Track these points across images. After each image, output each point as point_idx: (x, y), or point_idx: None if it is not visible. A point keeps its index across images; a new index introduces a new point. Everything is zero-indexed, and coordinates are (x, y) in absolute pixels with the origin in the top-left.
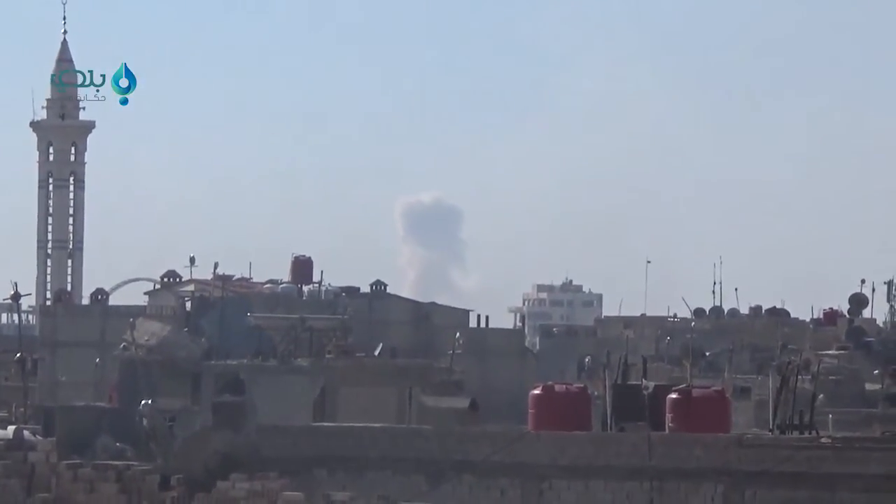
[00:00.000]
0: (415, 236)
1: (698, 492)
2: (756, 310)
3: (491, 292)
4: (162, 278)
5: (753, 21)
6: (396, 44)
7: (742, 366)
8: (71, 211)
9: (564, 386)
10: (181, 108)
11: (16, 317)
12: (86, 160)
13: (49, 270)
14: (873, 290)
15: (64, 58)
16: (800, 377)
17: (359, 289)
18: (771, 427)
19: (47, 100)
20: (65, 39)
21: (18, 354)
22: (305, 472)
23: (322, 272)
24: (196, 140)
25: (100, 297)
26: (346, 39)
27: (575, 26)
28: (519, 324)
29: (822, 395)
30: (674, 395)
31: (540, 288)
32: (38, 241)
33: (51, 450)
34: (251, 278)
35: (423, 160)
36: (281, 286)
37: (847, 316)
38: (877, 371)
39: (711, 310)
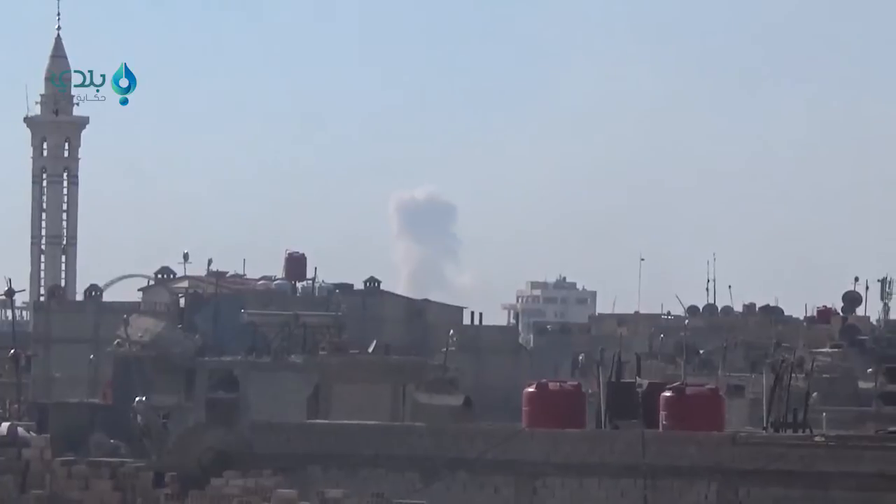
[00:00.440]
0: (409, 232)
1: (692, 489)
2: (750, 307)
3: (485, 289)
4: (156, 274)
5: (753, 21)
6: (393, 41)
7: (736, 363)
8: (65, 206)
9: (558, 383)
10: (175, 105)
11: (9, 313)
12: (80, 156)
13: (43, 266)
14: (867, 288)
15: (58, 54)
16: (793, 375)
17: (352, 286)
18: (765, 425)
19: (41, 95)
20: (59, 35)
21: (12, 351)
22: (299, 469)
23: (316, 269)
24: (190, 136)
25: (94, 293)
26: (342, 37)
27: (570, 24)
28: (513, 321)
29: (815, 394)
30: (668, 393)
31: (534, 285)
32: (32, 237)
33: (45, 446)
34: (245, 275)
35: (417, 157)
36: (275, 283)
37: (841, 314)
38: (870, 369)
39: (705, 307)
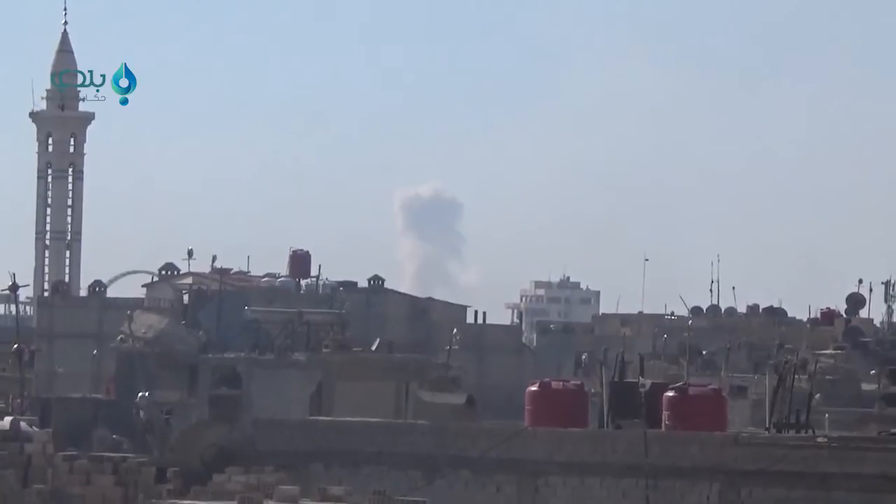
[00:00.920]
0: (414, 230)
1: (694, 490)
2: (753, 308)
3: (488, 288)
4: (160, 271)
5: (756, 21)
6: (396, 39)
7: (739, 364)
8: (69, 202)
9: (561, 383)
10: (180, 102)
11: (13, 307)
12: (85, 151)
13: (47, 261)
14: (871, 290)
15: (64, 48)
16: (796, 376)
17: (356, 283)
18: (767, 426)
19: (47, 90)
20: (65, 30)
21: (16, 345)
22: (301, 466)
23: (320, 266)
24: (195, 133)
25: (97, 288)
26: (345, 35)
27: (573, 24)
28: (516, 320)
29: (818, 395)
30: (670, 393)
31: (537, 284)
32: (37, 232)
33: (47, 441)
34: (249, 272)
35: (422, 156)
36: (279, 280)
37: (844, 316)
38: (873, 371)
39: (709, 308)
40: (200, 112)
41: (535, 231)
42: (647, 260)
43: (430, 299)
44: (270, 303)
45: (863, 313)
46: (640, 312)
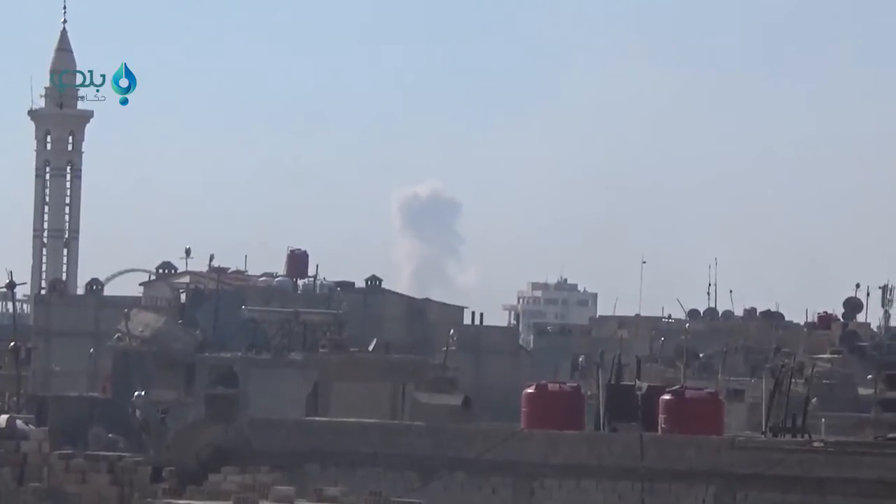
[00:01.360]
0: (412, 229)
1: (690, 493)
2: (750, 312)
3: (486, 289)
4: (157, 269)
5: (756, 24)
6: (396, 39)
7: (736, 368)
8: (67, 200)
9: (558, 385)
10: (179, 102)
11: (10, 305)
12: (83, 150)
13: (44, 259)
14: (868, 294)
15: (63, 47)
16: (793, 380)
17: (354, 283)
18: (763, 430)
19: (46, 88)
20: (64, 28)
21: (12, 343)
22: (297, 466)
23: (317, 266)
24: (193, 132)
25: (95, 286)
26: (344, 35)
27: (574, 25)
28: (513, 322)
29: (815, 399)
30: (667, 396)
31: (535, 286)
32: (34, 230)
33: (43, 439)
34: (246, 271)
35: (421, 156)
36: (276, 280)
37: (841, 320)
38: (870, 376)
39: (706, 311)
40: (199, 112)
41: (532, 232)
42: (644, 262)
43: (427, 300)
44: (267, 302)
45: (860, 318)
46: (638, 315)
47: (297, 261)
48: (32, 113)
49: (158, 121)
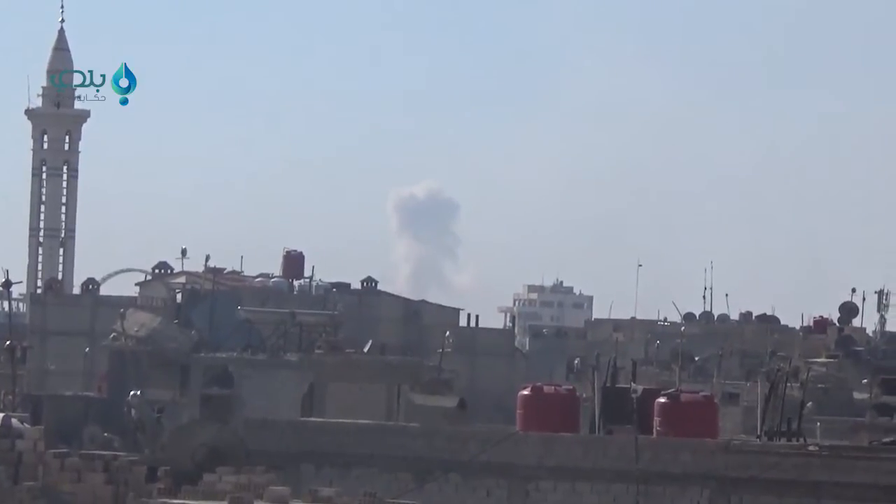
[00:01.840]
0: (409, 230)
1: (684, 496)
2: (746, 316)
3: (481, 291)
4: (153, 269)
5: (758, 29)
6: (394, 40)
7: (731, 371)
8: (64, 199)
9: (553, 387)
10: (176, 102)
11: (6, 304)
12: (80, 149)
13: (41, 258)
14: (864, 299)
15: (60, 46)
16: (788, 384)
17: (349, 285)
18: (758, 433)
19: (43, 88)
20: (62, 28)
21: (8, 342)
22: (292, 466)
23: (313, 267)
24: (191, 132)
25: (90, 286)
26: (342, 35)
27: (575, 25)
28: (509, 324)
29: (810, 403)
30: (662, 399)
31: (530, 288)
32: (31, 229)
33: (38, 438)
34: (242, 272)
35: (418, 158)
36: (272, 280)
37: (837, 324)
38: (865, 380)
39: (702, 315)
40: (197, 112)
41: (529, 235)
42: (640, 265)
43: (423, 302)
44: (263, 303)
45: (856, 322)
46: (633, 318)
47: (293, 262)
48: (29, 112)
49: (157, 121)
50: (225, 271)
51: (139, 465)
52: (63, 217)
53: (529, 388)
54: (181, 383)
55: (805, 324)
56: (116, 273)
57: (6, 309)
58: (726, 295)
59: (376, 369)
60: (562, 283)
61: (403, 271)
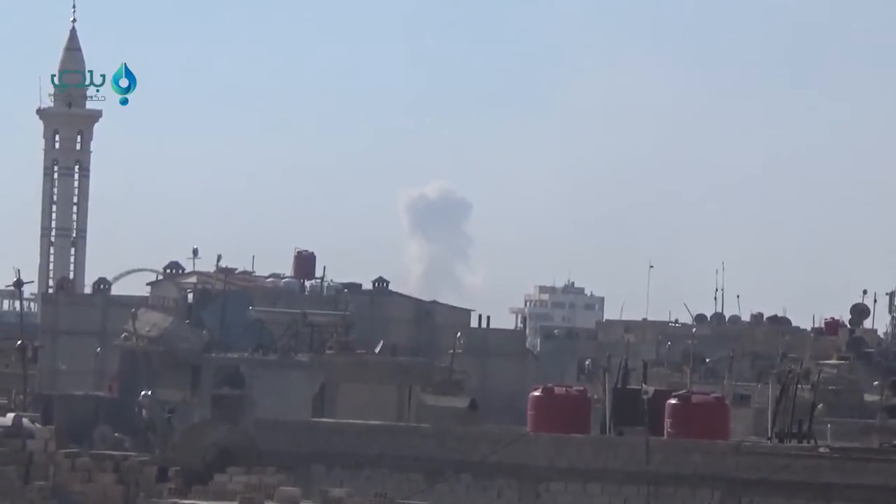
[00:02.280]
0: (420, 231)
1: (695, 498)
2: (757, 317)
3: (493, 292)
4: (165, 269)
5: (767, 31)
6: (404, 39)
7: (742, 373)
8: (75, 199)
9: (564, 388)
10: (185, 101)
11: (17, 304)
12: (91, 149)
13: (52, 258)
14: (875, 300)
15: (72, 46)
16: (799, 386)
17: (361, 285)
18: (769, 435)
19: (54, 87)
20: (73, 28)
21: (19, 342)
22: (303, 467)
23: (325, 268)
24: (200, 133)
25: (102, 286)
26: (353, 35)
27: (586, 26)
28: (520, 325)
29: (821, 405)
30: (673, 401)
31: (542, 289)
32: (42, 229)
33: (49, 438)
34: (254, 272)
35: (430, 158)
36: (283, 281)
37: (848, 326)
38: (876, 382)
39: (713, 316)
40: (205, 111)
41: (540, 235)
42: (651, 267)
43: (434, 303)
44: (274, 303)
45: (867, 324)
46: (644, 319)
47: (305, 262)
48: (41, 112)
49: (165, 121)
50: (236, 271)
51: (150, 465)
52: (74, 217)
53: (540, 389)
54: (192, 383)
55: (816, 325)
56: (128, 273)
57: (18, 308)
58: (738, 296)
59: (387, 370)
60: (573, 284)
61: (415, 271)
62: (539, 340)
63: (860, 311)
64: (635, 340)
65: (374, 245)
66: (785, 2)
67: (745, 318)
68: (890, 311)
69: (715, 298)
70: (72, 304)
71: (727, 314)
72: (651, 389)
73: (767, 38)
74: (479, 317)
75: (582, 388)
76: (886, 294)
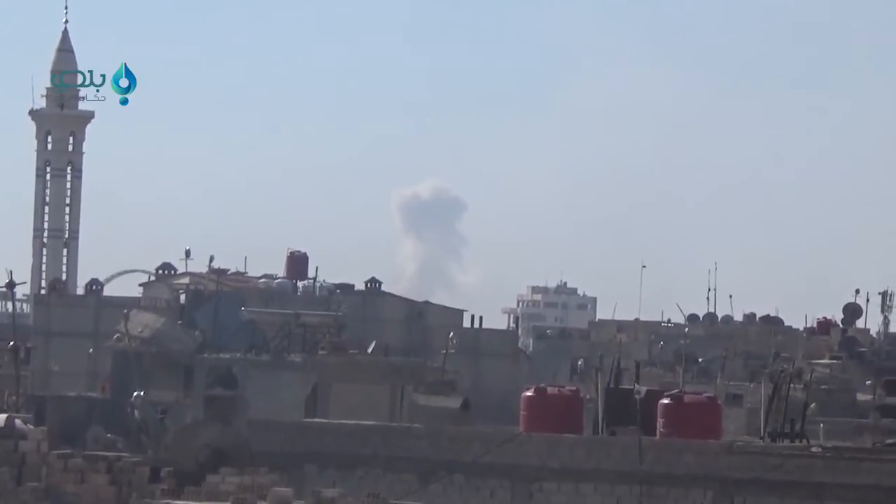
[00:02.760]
0: (413, 230)
1: (687, 497)
2: (750, 317)
3: (485, 292)
4: (157, 270)
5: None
6: (400, 39)
7: (735, 373)
8: (67, 200)
9: (557, 388)
10: (178, 102)
11: (10, 305)
12: (84, 150)
13: (44, 259)
14: (867, 300)
15: (64, 47)
16: (792, 385)
17: (353, 286)
18: (762, 435)
19: (47, 88)
20: (66, 29)
21: (12, 343)
22: (296, 467)
23: (317, 268)
24: (193, 133)
25: (94, 287)
26: (347, 35)
27: (581, 26)
28: (512, 325)
29: (813, 404)
30: (666, 401)
31: (534, 289)
32: (34, 230)
33: (42, 439)
34: (246, 273)
35: (423, 157)
36: (276, 281)
37: (841, 325)
38: (869, 381)
39: (705, 316)
40: (199, 112)
41: (532, 235)
42: (644, 267)
43: (426, 303)
44: (267, 304)
45: (859, 323)
46: (637, 319)
47: (297, 262)
48: (33, 113)
49: (158, 121)
50: (229, 272)
51: (142, 465)
52: (67, 218)
53: (533, 390)
54: (185, 384)
55: (809, 325)
56: (120, 274)
57: (10, 309)
58: (730, 296)
59: (380, 370)
60: (565, 284)
61: (408, 271)
62: (532, 340)
63: (853, 311)
64: (628, 340)
65: (367, 245)
66: (785, 2)
67: (738, 317)
68: (882, 311)
69: (707, 298)
70: (64, 305)
71: (720, 314)
72: (643, 389)
73: (767, 38)
74: (472, 317)
75: (574, 388)
76: (879, 293)
